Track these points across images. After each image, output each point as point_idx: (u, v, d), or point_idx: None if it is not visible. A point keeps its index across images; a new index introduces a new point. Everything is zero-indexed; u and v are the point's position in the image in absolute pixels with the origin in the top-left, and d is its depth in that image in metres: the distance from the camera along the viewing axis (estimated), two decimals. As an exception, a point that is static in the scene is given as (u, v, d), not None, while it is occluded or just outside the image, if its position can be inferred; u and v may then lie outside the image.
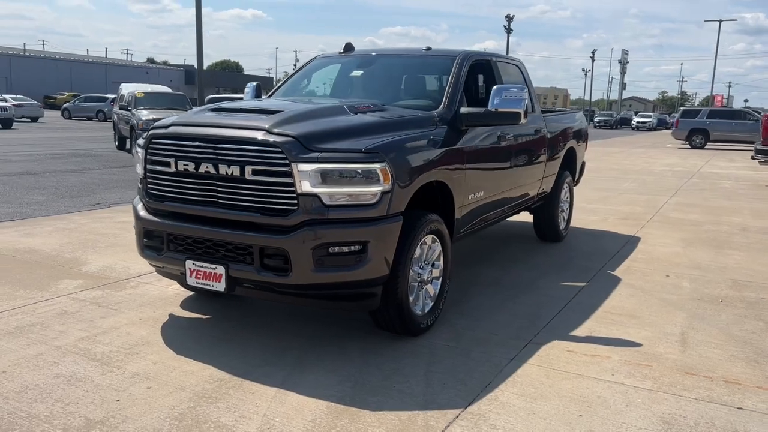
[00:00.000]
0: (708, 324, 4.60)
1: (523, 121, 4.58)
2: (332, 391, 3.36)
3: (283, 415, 3.10)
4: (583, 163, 8.03)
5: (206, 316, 4.49)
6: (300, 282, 3.55)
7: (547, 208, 6.95)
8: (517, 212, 6.63)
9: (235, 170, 3.58)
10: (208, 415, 3.07)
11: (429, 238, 4.15)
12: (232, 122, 3.76)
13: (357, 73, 5.39)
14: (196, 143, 3.72)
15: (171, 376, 3.49)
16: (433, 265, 4.31)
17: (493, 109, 4.52)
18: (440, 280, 4.37)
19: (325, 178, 3.49)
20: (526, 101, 4.55)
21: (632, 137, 42.52)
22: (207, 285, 3.75)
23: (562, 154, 6.91)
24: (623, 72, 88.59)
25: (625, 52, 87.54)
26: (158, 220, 3.94)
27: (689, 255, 6.79)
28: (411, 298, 4.02)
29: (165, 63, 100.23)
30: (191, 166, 3.73)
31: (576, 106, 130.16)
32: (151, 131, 3.99)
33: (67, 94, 52.98)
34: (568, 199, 7.46)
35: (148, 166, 3.98)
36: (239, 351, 3.88)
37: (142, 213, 4.06)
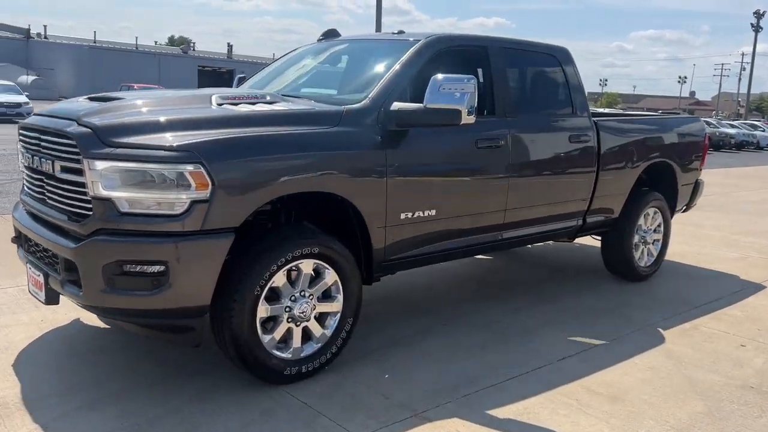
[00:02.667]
0: (721, 428, 3.08)
1: (465, 120, 3.47)
2: (89, 440, 2.75)
3: (-8, 462, 2.57)
4: (697, 184, 6.23)
5: (108, 327, 4.11)
6: (90, 303, 2.98)
7: (615, 235, 5.45)
8: (564, 239, 5.31)
9: (49, 166, 3.14)
10: None
11: (307, 264, 3.30)
12: (60, 112, 3.31)
13: (312, 62, 4.60)
14: (35, 134, 3.34)
15: (-33, 391, 3.15)
16: (327, 297, 3.45)
17: (425, 106, 3.49)
18: (337, 318, 3.48)
19: (121, 179, 2.86)
20: (471, 96, 3.44)
21: None
22: (36, 294, 3.35)
23: (638, 168, 5.37)
24: None
25: None
26: (18, 217, 3.64)
27: (817, 318, 4.84)
28: (268, 338, 3.22)
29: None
30: (30, 160, 3.37)
31: None
32: (20, 122, 3.71)
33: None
34: (661, 229, 5.80)
35: (20, 158, 3.70)
36: (75, 370, 3.43)
37: (18, 208, 3.79)
